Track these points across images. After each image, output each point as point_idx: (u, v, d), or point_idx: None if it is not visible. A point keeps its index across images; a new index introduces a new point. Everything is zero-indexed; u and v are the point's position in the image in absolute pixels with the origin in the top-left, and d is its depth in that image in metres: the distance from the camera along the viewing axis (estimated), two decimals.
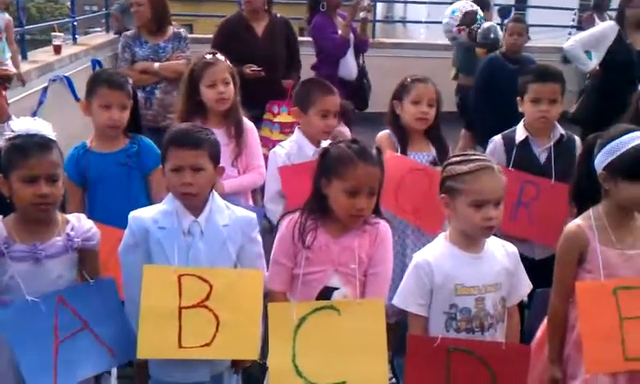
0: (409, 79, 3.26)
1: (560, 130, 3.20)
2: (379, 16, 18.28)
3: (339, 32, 5.56)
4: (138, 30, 4.95)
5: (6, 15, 6.02)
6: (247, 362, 2.55)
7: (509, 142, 3.24)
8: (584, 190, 2.52)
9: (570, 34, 9.27)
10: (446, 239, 2.36)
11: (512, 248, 2.40)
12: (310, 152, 3.13)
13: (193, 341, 2.27)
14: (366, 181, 2.27)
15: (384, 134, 3.30)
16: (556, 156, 3.13)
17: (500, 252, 2.35)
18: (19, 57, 5.92)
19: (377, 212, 2.40)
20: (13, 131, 2.26)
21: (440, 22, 7.08)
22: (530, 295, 2.85)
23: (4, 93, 4.04)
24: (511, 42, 5.56)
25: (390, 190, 2.97)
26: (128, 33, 5.08)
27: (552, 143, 3.17)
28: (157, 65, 4.77)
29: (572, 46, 5.90)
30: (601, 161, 2.40)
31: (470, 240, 2.31)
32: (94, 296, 2.32)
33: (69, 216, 2.39)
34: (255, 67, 4.85)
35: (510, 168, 3.14)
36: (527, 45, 10.11)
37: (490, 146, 3.31)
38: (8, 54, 5.23)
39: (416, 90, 3.18)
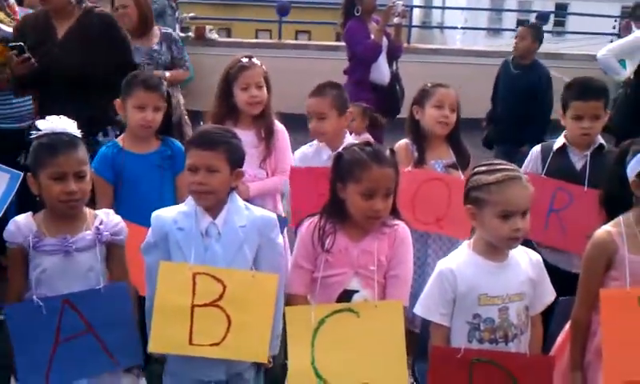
0: (429, 84, 3.26)
1: (600, 139, 3.13)
2: (416, 22, 18.22)
3: (372, 37, 5.54)
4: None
5: None
6: (269, 364, 2.57)
7: (546, 150, 3.19)
8: (615, 197, 2.47)
9: (611, 41, 9.10)
10: (469, 248, 2.33)
11: (536, 256, 2.37)
12: (325, 156, 3.17)
13: (203, 339, 2.29)
14: (381, 182, 2.28)
15: (402, 143, 3.28)
16: (592, 165, 3.05)
17: (524, 261, 2.32)
18: None
19: (395, 214, 2.41)
20: (39, 130, 2.31)
21: (476, 28, 7.07)
22: (554, 302, 2.82)
23: None
24: (514, 46, 5.63)
25: (407, 205, 2.94)
26: None
27: (590, 151, 3.09)
28: (167, 74, 4.54)
29: (605, 56, 5.82)
30: (634, 167, 2.34)
31: (494, 249, 2.28)
32: (103, 301, 2.33)
33: (97, 211, 2.44)
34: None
35: (542, 175, 3.10)
36: (565, 52, 10.08)
37: (529, 156, 3.27)
38: None
39: (438, 94, 3.18)
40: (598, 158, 3.07)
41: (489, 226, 2.23)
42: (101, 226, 2.37)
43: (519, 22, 25.31)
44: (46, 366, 2.24)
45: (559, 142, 3.17)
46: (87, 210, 2.40)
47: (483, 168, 2.29)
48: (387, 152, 2.35)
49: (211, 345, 2.29)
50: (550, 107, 5.23)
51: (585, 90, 3.09)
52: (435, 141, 3.22)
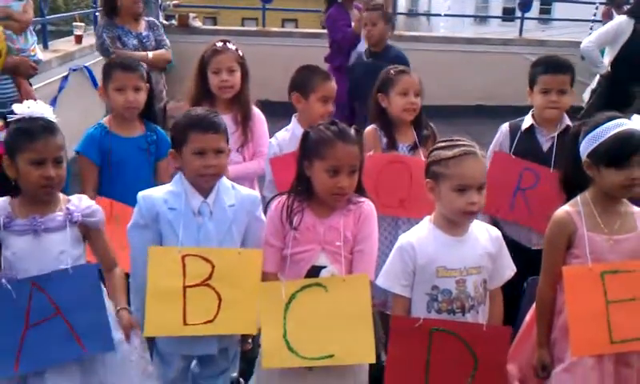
0: (392, 71, 3.32)
1: (567, 121, 3.21)
2: (402, 9, 18.25)
3: (352, 24, 5.61)
4: (122, 19, 4.85)
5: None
6: (248, 345, 2.69)
7: (514, 129, 3.27)
8: (572, 177, 2.56)
9: (591, 28, 9.18)
10: (430, 222, 2.42)
11: (496, 232, 2.45)
12: None
13: (197, 318, 2.38)
14: (346, 159, 2.35)
15: (370, 128, 3.35)
16: (559, 146, 3.12)
17: (484, 236, 2.40)
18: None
19: (360, 191, 2.48)
20: (15, 114, 2.33)
21: (459, 15, 7.11)
22: (523, 284, 2.91)
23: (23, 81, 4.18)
24: (365, 33, 5.16)
25: (370, 189, 3.03)
26: (104, 23, 4.94)
27: (557, 133, 3.18)
28: (150, 55, 4.79)
29: (587, 48, 5.86)
30: (585, 148, 2.43)
31: (453, 224, 2.36)
32: (72, 283, 2.30)
33: (71, 196, 2.46)
34: None
35: (510, 154, 3.19)
36: (548, 39, 10.16)
37: (497, 133, 3.34)
38: (31, 40, 5.23)
39: (402, 82, 3.25)
40: (565, 138, 3.11)
41: (446, 200, 2.31)
42: (72, 207, 2.38)
43: (505, 10, 25.47)
44: (16, 351, 2.23)
45: (527, 122, 3.25)
46: (60, 195, 2.41)
47: (443, 144, 2.38)
48: (352, 131, 2.42)
49: (205, 323, 2.38)
50: None
51: (552, 64, 3.19)
52: (402, 126, 3.30)
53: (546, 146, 3.20)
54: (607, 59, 5.95)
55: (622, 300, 2.38)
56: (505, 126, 3.33)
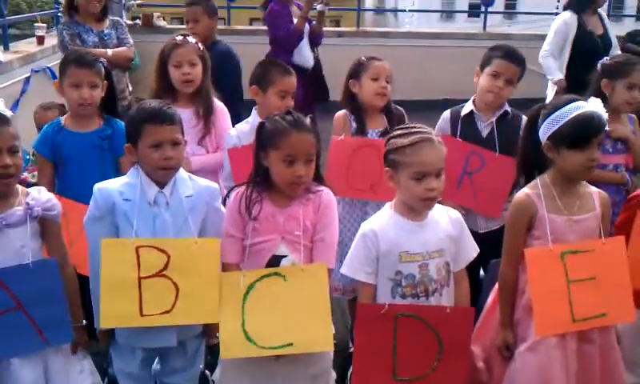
0: (364, 58, 3.35)
1: (506, 106, 3.27)
2: (370, 6, 18.33)
3: (294, 21, 5.42)
4: (83, 17, 4.82)
5: None
6: (215, 339, 2.64)
7: (455, 116, 3.33)
8: (530, 160, 2.59)
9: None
10: (391, 208, 2.42)
11: (456, 214, 2.46)
12: None
13: (153, 309, 2.35)
14: (302, 148, 2.35)
15: (340, 113, 3.38)
16: (499, 131, 3.19)
17: (444, 219, 2.42)
18: None
19: (318, 180, 2.48)
20: None
21: (424, 11, 7.07)
22: (479, 267, 2.94)
23: None
24: (190, 30, 4.49)
25: (341, 173, 3.06)
26: (65, 21, 4.90)
27: (495, 119, 3.24)
28: (110, 52, 4.75)
29: (543, 57, 5.83)
30: (545, 131, 2.47)
31: (413, 209, 2.37)
32: (32, 277, 2.32)
33: (29, 189, 2.45)
34: None
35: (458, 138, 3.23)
36: (513, 32, 10.26)
37: (440, 120, 3.39)
38: None
39: (374, 67, 3.28)
40: (504, 124, 3.22)
41: (405, 187, 2.32)
42: (32, 202, 2.36)
43: (471, 5, 25.69)
44: None
45: (467, 107, 3.30)
46: (19, 188, 2.41)
47: (399, 131, 2.38)
48: (307, 119, 2.42)
49: (162, 313, 2.35)
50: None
51: (511, 53, 3.25)
52: (373, 112, 3.32)
53: (485, 132, 3.26)
54: (560, 76, 5.80)
55: (582, 279, 2.43)
56: (446, 113, 3.39)
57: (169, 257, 2.37)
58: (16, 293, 2.29)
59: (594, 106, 2.44)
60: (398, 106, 3.40)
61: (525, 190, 2.53)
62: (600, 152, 2.44)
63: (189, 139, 3.22)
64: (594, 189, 2.56)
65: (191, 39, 3.46)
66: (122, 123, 3.26)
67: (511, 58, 3.23)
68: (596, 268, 2.44)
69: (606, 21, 6.07)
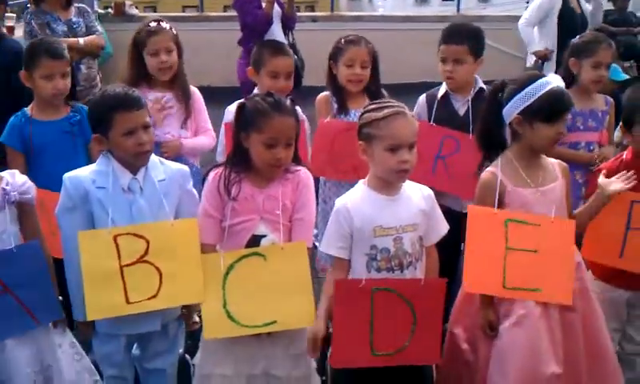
0: (342, 41, 3.36)
1: (480, 83, 3.29)
2: None
3: (263, 6, 5.41)
4: (50, 6, 4.71)
5: None
6: (195, 322, 2.71)
7: (431, 99, 3.35)
8: (492, 137, 2.64)
9: (527, 2, 9.35)
10: (364, 184, 2.46)
11: (428, 191, 2.50)
12: None
13: (139, 295, 2.37)
14: (283, 132, 2.37)
15: (323, 95, 3.42)
16: (475, 109, 3.19)
17: (417, 195, 2.46)
18: None
19: (296, 160, 2.50)
20: None
21: None
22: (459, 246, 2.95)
23: None
24: None
25: (325, 155, 3.08)
26: (32, 10, 4.78)
27: (470, 97, 3.26)
28: (82, 41, 4.71)
29: (523, 26, 5.90)
30: (515, 106, 2.51)
31: (387, 184, 2.41)
32: (17, 260, 2.34)
33: (2, 173, 2.43)
34: None
35: (431, 123, 3.25)
36: (485, 14, 10.32)
37: (415, 106, 3.39)
38: None
39: (349, 52, 3.29)
40: (479, 101, 3.19)
41: (378, 160, 2.35)
42: (7, 187, 2.36)
43: None
44: None
45: (442, 89, 3.33)
46: None
47: (373, 106, 2.41)
48: (288, 102, 2.43)
49: (149, 299, 2.37)
50: None
51: (448, 34, 3.25)
52: (353, 93, 3.35)
53: (462, 111, 3.28)
54: (542, 44, 5.90)
55: (523, 250, 2.46)
56: (422, 98, 3.40)
57: (148, 242, 2.39)
58: (2, 277, 2.31)
59: (554, 80, 2.52)
60: (383, 90, 3.39)
61: (490, 169, 2.58)
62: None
63: (171, 123, 3.33)
64: (552, 160, 2.63)
65: (164, 24, 3.45)
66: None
67: (449, 39, 3.21)
68: (540, 243, 2.46)
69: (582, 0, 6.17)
